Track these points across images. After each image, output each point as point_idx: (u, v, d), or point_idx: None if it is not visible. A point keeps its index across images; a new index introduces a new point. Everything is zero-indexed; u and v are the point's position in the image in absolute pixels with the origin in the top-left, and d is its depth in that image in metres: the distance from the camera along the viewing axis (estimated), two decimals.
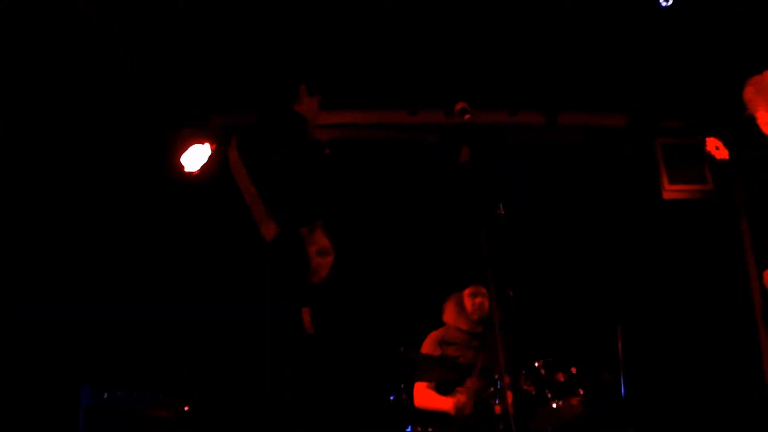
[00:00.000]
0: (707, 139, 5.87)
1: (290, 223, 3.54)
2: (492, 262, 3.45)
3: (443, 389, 4.89)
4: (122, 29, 4.69)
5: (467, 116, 3.79)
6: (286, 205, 3.54)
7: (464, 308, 5.16)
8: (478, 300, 5.11)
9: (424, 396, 4.89)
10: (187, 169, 5.43)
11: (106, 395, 4.43)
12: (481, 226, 3.48)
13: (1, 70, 4.40)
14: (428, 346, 5.09)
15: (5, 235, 4.79)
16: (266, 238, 3.54)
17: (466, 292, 5.18)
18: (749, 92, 3.79)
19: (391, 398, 4.82)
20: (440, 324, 5.25)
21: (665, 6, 4.87)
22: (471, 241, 3.62)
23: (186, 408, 4.52)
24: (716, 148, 5.84)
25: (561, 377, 4.40)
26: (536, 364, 4.38)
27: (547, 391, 4.34)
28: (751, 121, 5.64)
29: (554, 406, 4.33)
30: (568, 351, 4.69)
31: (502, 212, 3.86)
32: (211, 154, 5.47)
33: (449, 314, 5.24)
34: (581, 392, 4.42)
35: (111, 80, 5.00)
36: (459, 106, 3.83)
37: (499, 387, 4.37)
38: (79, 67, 4.80)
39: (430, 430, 4.44)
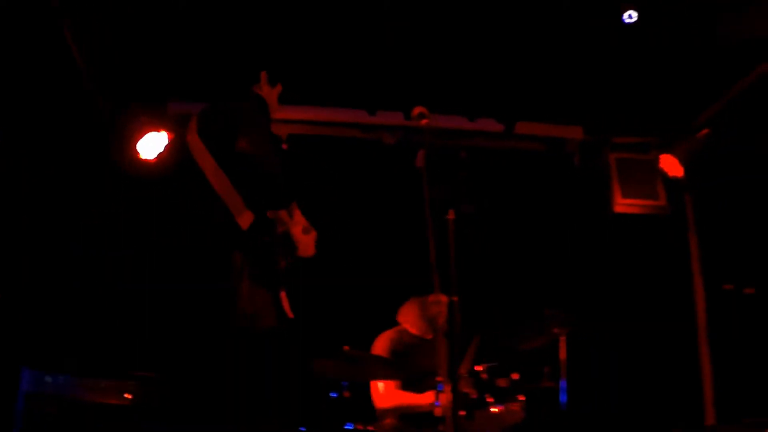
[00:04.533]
0: (661, 156, 5.95)
1: (266, 208, 3.57)
2: (439, 267, 3.47)
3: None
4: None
5: (425, 120, 3.82)
6: (259, 190, 3.54)
7: (426, 314, 5.13)
8: (439, 309, 5.09)
9: (394, 394, 4.86)
10: (143, 156, 5.39)
11: (48, 379, 4.22)
12: (430, 231, 3.50)
13: None
14: (381, 345, 5.07)
15: None
16: (242, 226, 3.50)
17: (431, 298, 5.15)
18: None
19: (333, 395, 4.81)
20: (387, 325, 5.26)
21: (629, 23, 4.93)
22: (421, 245, 3.64)
23: (128, 396, 4.40)
24: (670, 165, 5.92)
25: (503, 383, 4.45)
26: (478, 369, 4.43)
27: (487, 395, 4.39)
28: (706, 139, 5.77)
29: (494, 410, 4.37)
30: (510, 357, 4.72)
31: (452, 218, 3.88)
32: (168, 142, 5.42)
33: (408, 316, 5.18)
34: (522, 398, 4.48)
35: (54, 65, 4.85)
36: (417, 110, 3.86)
37: (440, 389, 4.40)
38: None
39: (370, 428, 4.45)
